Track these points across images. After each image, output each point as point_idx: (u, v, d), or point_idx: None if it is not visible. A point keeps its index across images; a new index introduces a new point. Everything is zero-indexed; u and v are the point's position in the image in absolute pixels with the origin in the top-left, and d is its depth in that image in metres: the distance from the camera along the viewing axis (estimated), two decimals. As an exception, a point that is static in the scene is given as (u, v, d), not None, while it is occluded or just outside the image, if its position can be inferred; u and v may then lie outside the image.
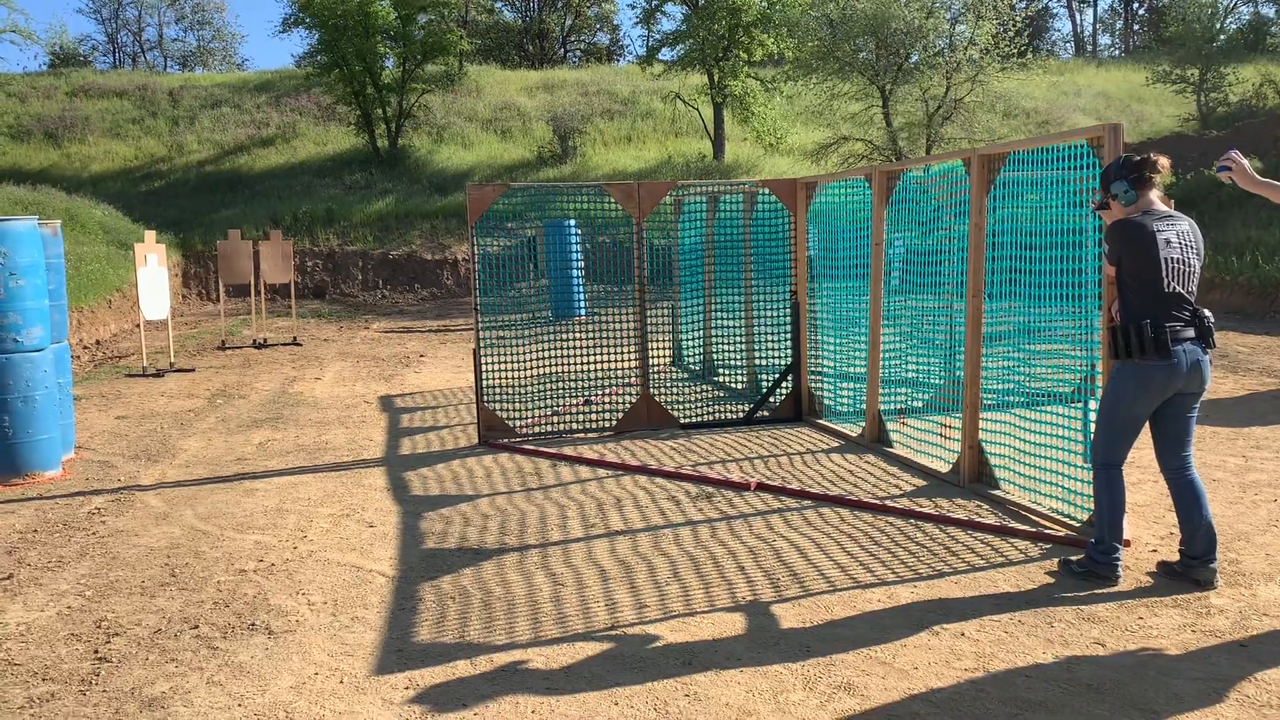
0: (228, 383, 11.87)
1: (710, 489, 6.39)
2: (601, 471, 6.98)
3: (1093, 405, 5.03)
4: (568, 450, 7.59)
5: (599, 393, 9.06)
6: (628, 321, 8.35)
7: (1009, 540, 5.21)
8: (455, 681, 3.83)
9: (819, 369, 8.49)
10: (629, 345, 8.33)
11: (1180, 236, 4.42)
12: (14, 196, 19.83)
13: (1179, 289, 4.39)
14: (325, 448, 8.19)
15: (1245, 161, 4.44)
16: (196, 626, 4.48)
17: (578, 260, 17.72)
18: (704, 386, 10.00)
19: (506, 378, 8.25)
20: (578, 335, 8.58)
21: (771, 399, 8.64)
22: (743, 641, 4.07)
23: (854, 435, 7.67)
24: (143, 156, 28.50)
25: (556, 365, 8.51)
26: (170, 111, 30.68)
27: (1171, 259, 4.38)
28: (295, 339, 15.68)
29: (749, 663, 3.88)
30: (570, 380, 8.62)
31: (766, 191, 8.73)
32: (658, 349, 8.92)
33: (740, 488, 6.34)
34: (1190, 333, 4.38)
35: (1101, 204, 4.61)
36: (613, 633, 4.20)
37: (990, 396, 6.22)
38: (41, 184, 23.30)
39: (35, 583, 5.15)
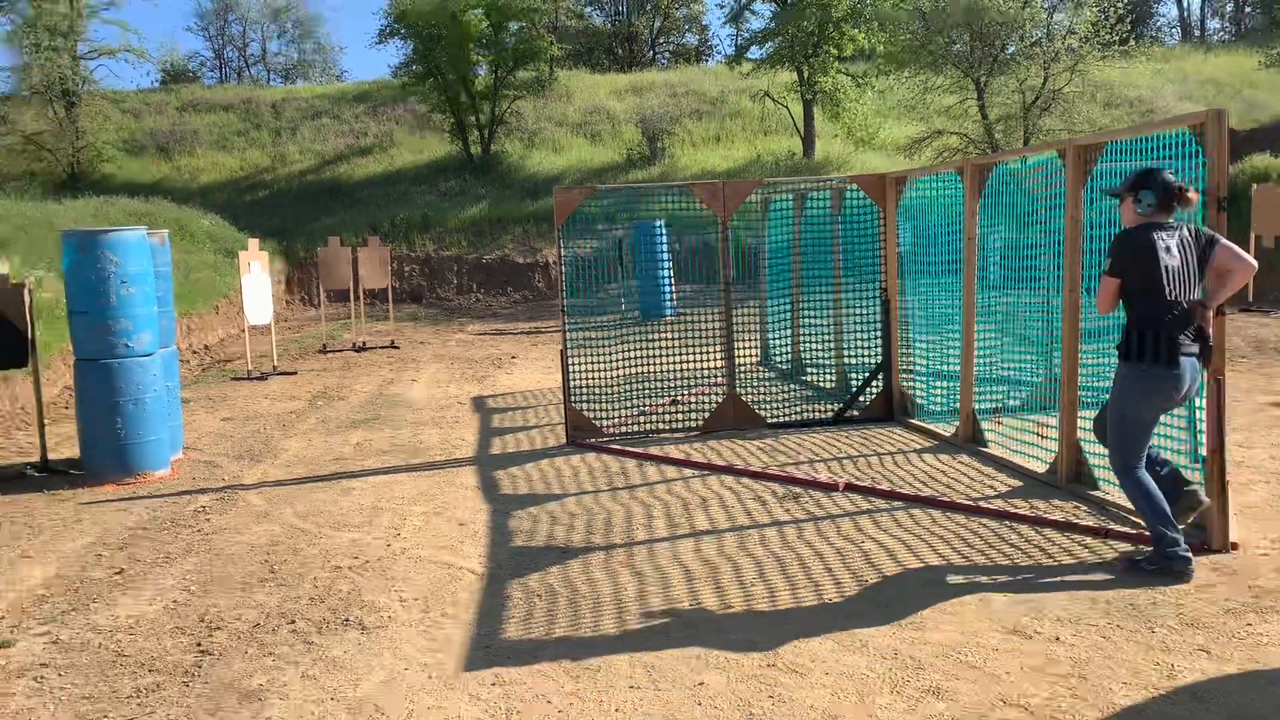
0: (328, 385, 12.19)
1: (798, 489, 6.33)
2: (688, 471, 6.97)
3: (1199, 402, 4.85)
4: (654, 450, 7.60)
5: (685, 392, 9.05)
6: (713, 321, 8.33)
7: (1108, 543, 5.04)
8: (541, 678, 3.86)
9: (910, 367, 8.34)
10: (714, 345, 8.30)
11: (1181, 245, 4.53)
12: (129, 208, 20.70)
13: (1179, 293, 4.50)
14: (420, 447, 8.35)
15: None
16: (293, 621, 4.61)
17: (666, 261, 17.79)
18: (791, 386, 9.91)
19: (594, 378, 8.31)
20: (664, 335, 8.58)
21: (861, 398, 8.53)
22: (828, 644, 4.02)
23: (947, 435, 7.51)
24: (248, 167, 29.47)
25: (643, 366, 8.52)
26: (273, 123, 31.65)
27: (1171, 268, 4.48)
28: (393, 342, 16.02)
29: (834, 665, 3.83)
30: (656, 380, 8.63)
31: (854, 187, 8.61)
32: (745, 348, 8.86)
33: (828, 488, 6.27)
34: (1195, 349, 4.52)
35: (1117, 192, 4.75)
36: (697, 632, 4.19)
37: (1089, 394, 6.03)
38: (154, 196, 24.28)
39: (144, 577, 5.36)
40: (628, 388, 8.59)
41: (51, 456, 8.20)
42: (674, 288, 16.74)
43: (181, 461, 8.27)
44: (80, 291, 7.52)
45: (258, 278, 13.30)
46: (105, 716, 3.78)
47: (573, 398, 8.10)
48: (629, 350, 8.58)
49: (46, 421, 9.50)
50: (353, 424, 9.63)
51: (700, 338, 8.36)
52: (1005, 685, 3.59)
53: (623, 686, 3.75)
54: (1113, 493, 5.67)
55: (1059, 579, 4.59)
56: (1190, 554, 4.53)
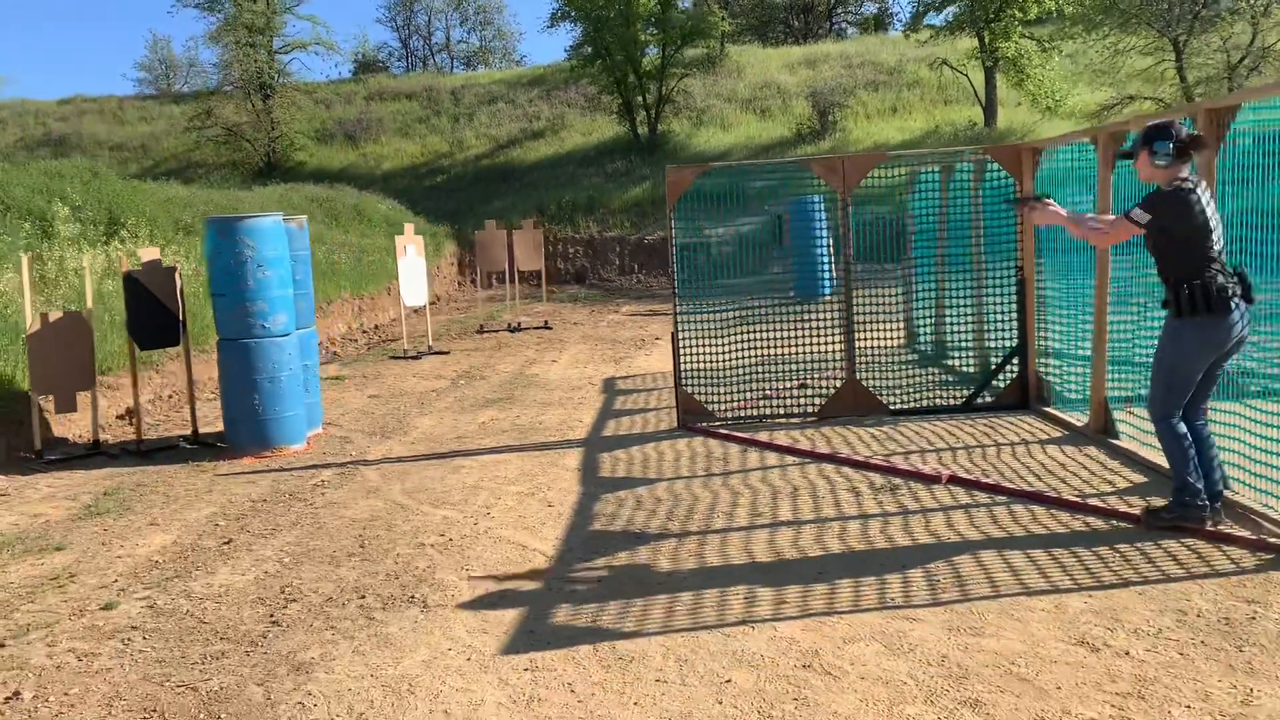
0: (474, 364, 12.54)
1: (899, 480, 6.05)
2: (789, 459, 6.77)
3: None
4: (762, 436, 7.43)
5: (814, 376, 8.79)
6: (839, 304, 8.04)
7: (1222, 548, 4.57)
8: (573, 665, 3.83)
9: (1048, 352, 7.82)
10: (836, 327, 8.02)
11: (1208, 197, 4.63)
12: (311, 194, 21.89)
13: (1220, 247, 4.62)
14: (538, 428, 8.46)
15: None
16: (364, 596, 4.75)
17: (824, 239, 17.34)
18: (923, 370, 9.47)
19: (709, 362, 8.19)
20: (786, 317, 8.34)
21: (995, 384, 8.06)
22: (874, 646, 3.81)
23: (1079, 425, 7.01)
24: (427, 153, 30.63)
25: (763, 349, 8.32)
26: (452, 109, 32.77)
27: (1214, 220, 4.59)
28: (546, 323, 16.33)
29: (874, 670, 3.62)
30: (776, 364, 8.41)
31: (989, 160, 8.12)
32: (883, 330, 8.51)
33: (931, 480, 5.95)
34: (1238, 289, 4.58)
35: (1128, 153, 4.82)
36: (741, 628, 4.06)
37: (1226, 384, 5.47)
38: (338, 182, 25.61)
39: (248, 548, 5.65)
40: (744, 372, 8.40)
41: (204, 430, 8.76)
42: (833, 267, 16.33)
43: (319, 437, 8.67)
44: (220, 275, 7.98)
45: (413, 261, 13.79)
46: (169, 679, 3.99)
47: (686, 382, 8.00)
48: (748, 333, 8.39)
49: (211, 397, 10.21)
50: (485, 403, 9.86)
51: (823, 320, 8.09)
52: (1051, 701, 3.30)
53: (650, 679, 3.67)
54: (1245, 494, 5.14)
55: (1153, 587, 4.19)
56: (1208, 505, 4.71)
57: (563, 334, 15.23)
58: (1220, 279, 4.57)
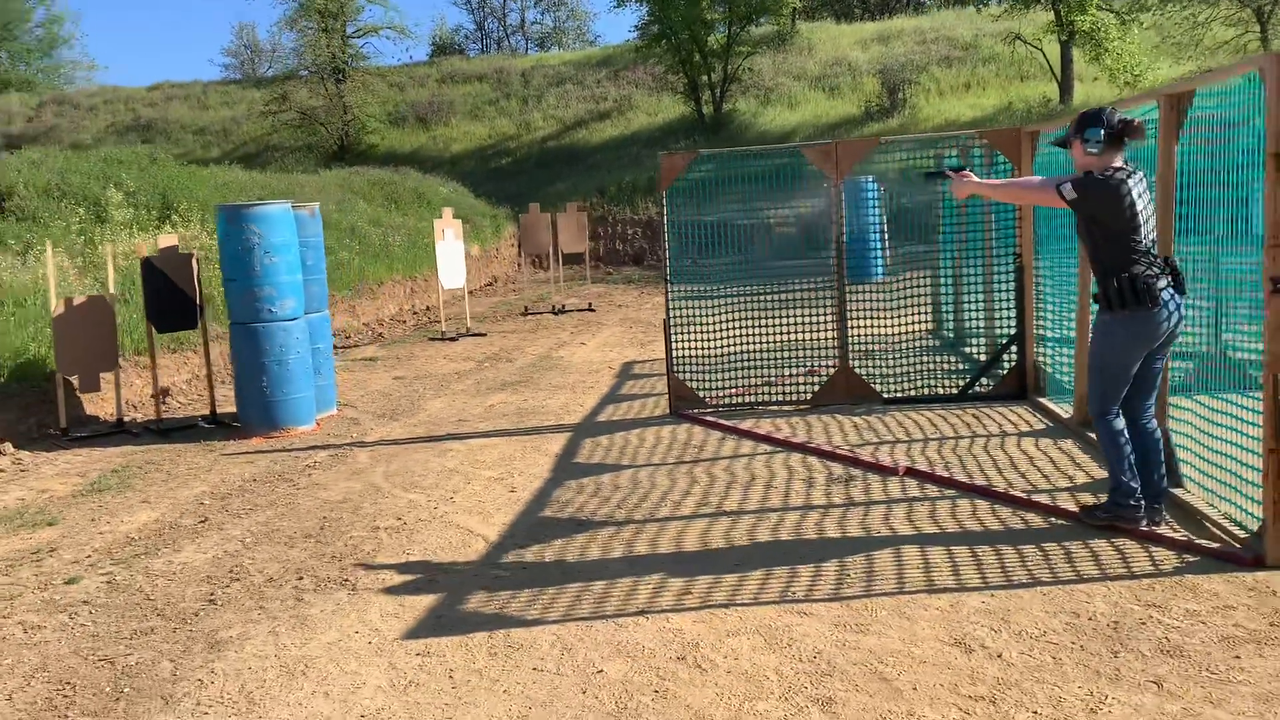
0: (505, 347, 12.73)
1: (858, 471, 6.01)
2: (762, 447, 6.77)
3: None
4: (745, 424, 7.42)
5: (819, 365, 8.72)
6: (834, 291, 7.97)
7: (1150, 549, 4.46)
8: (463, 651, 3.94)
9: (1044, 340, 7.64)
10: (828, 314, 7.96)
11: (1140, 188, 4.49)
12: (374, 178, 22.35)
13: (1150, 239, 4.51)
14: (538, 411, 8.59)
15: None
16: (302, 578, 4.93)
17: (878, 221, 17.10)
18: (927, 358, 9.30)
19: (704, 348, 8.20)
20: (783, 305, 8.30)
21: (994, 372, 7.91)
22: (755, 640, 3.84)
23: (1065, 417, 6.85)
24: (495, 135, 30.97)
25: (756, 336, 8.30)
26: (521, 91, 33.03)
27: (1143, 212, 4.47)
28: (590, 305, 16.46)
29: (744, 663, 3.65)
30: (769, 352, 8.37)
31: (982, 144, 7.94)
32: (909, 318, 8.42)
33: (888, 472, 5.90)
34: (1164, 282, 4.49)
35: (1063, 141, 4.69)
36: (636, 618, 4.12)
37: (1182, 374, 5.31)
38: (405, 165, 26.08)
39: (219, 527, 5.89)
40: (739, 358, 8.38)
41: (225, 411, 9.09)
42: (888, 250, 16.11)
43: (332, 418, 8.93)
44: (229, 260, 8.27)
45: (451, 244, 14.04)
46: (94, 654, 4.22)
47: (679, 368, 8.04)
48: (745, 319, 8.36)
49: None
50: (501, 386, 10.02)
51: (814, 306, 8.04)
52: (902, 702, 3.29)
53: (528, 668, 3.76)
54: (1195, 492, 4.99)
55: (1060, 588, 4.12)
56: (1143, 505, 4.60)
57: (604, 316, 15.34)
58: (1148, 272, 4.46)
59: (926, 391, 7.98)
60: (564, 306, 16.36)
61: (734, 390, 8.13)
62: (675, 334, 8.08)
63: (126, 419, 8.88)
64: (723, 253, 8.57)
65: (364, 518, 5.85)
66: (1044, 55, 27.54)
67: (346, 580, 4.84)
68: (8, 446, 8.11)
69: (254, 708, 3.63)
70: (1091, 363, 4.75)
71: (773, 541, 4.91)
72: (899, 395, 7.91)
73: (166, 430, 8.63)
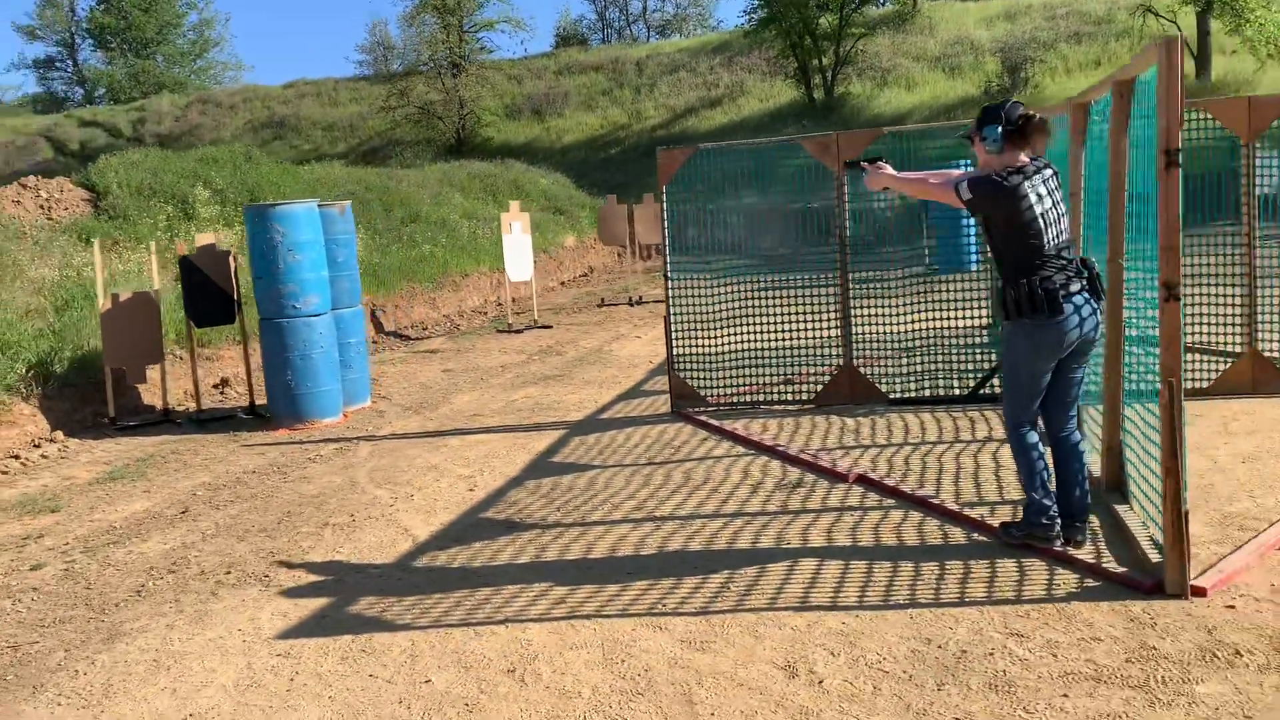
0: (562, 340, 12.83)
1: (813, 477, 5.81)
2: (736, 449, 6.63)
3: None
4: (733, 424, 7.27)
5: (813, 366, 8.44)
6: (833, 285, 7.72)
7: (1055, 571, 4.16)
8: (318, 654, 4.01)
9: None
10: (831, 311, 7.71)
11: (1048, 187, 4.21)
12: (475, 170, 22.83)
13: (1058, 242, 4.19)
14: (553, 406, 8.63)
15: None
16: (229, 573, 5.10)
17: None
18: (942, 358, 8.84)
19: (700, 346, 8.07)
20: (786, 301, 8.08)
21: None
22: (593, 654, 3.76)
23: (1063, 421, 6.45)
24: (607, 125, 31.18)
25: (759, 333, 8.11)
26: (635, 80, 33.14)
27: (1046, 214, 4.16)
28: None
29: (567, 679, 3.59)
30: (772, 349, 8.16)
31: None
32: (963, 311, 8.09)
33: (839, 479, 5.69)
34: (1077, 286, 4.19)
35: (968, 136, 4.44)
36: (497, 626, 4.10)
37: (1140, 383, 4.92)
38: (520, 157, 26.52)
39: (194, 519, 6.15)
40: (742, 356, 8.21)
41: (262, 403, 9.47)
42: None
43: (362, 410, 9.19)
44: (256, 258, 8.60)
45: (518, 238, 14.22)
46: (14, 638, 4.48)
47: (680, 365, 7.94)
48: (748, 315, 8.19)
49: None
50: (538, 380, 10.10)
51: (816, 303, 7.80)
52: (691, 729, 3.18)
53: (366, 674, 3.80)
54: (1135, 510, 4.64)
55: (931, 610, 3.89)
56: (1057, 523, 4.32)
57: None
58: (1054, 278, 4.14)
59: (934, 392, 7.64)
60: (641, 298, 16.35)
61: (738, 390, 7.96)
62: (676, 331, 7.97)
63: (175, 408, 9.36)
64: (725, 248, 8.38)
65: (323, 513, 6.01)
66: (1178, 27, 25.90)
67: (265, 577, 4.99)
68: (59, 435, 8.67)
69: (105, 701, 3.79)
70: (1004, 372, 4.48)
71: (679, 551, 4.81)
72: (904, 396, 7.60)
73: (206, 421, 9.06)
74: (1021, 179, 4.15)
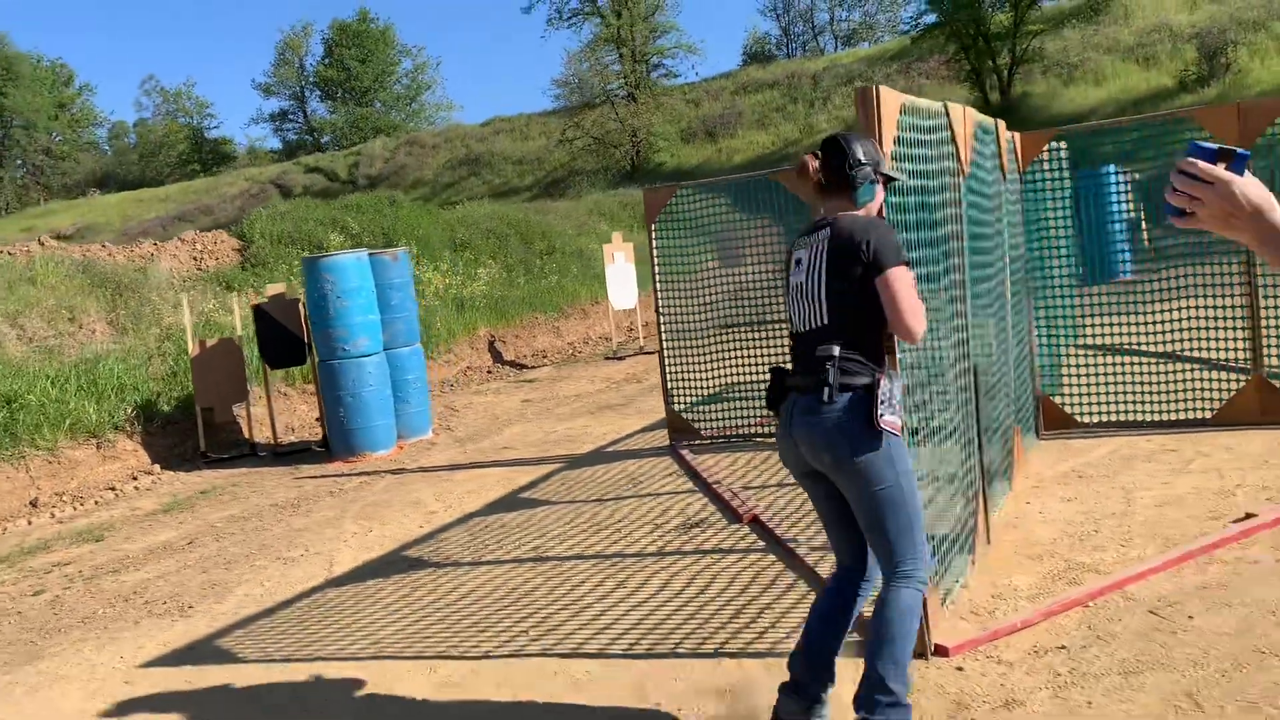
0: (651, 367, 13.04)
1: (718, 516, 5.80)
2: (686, 485, 6.67)
3: None
4: (705, 459, 7.29)
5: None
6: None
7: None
8: (164, 680, 4.47)
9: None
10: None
11: (812, 253, 3.18)
12: (626, 199, 23.41)
13: (799, 323, 3.21)
14: (577, 438, 8.90)
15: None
16: (166, 603, 5.69)
17: (1123, 213, 15.37)
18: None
19: (696, 381, 8.11)
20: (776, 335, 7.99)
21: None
22: (348, 703, 4.02)
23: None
24: (778, 142, 31.10)
25: (749, 367, 8.07)
26: (810, 94, 32.87)
27: (796, 285, 3.22)
28: (790, 317, 16.25)
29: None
30: (761, 383, 8.08)
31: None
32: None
33: (737, 518, 5.65)
34: (796, 380, 3.16)
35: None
36: (269, 665, 4.43)
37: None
38: (690, 179, 26.91)
39: (192, 549, 6.85)
40: (734, 390, 8.18)
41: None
42: (1139, 244, 14.51)
43: (418, 443, 9.79)
44: (311, 305, 9.38)
45: (621, 267, 14.59)
46: (-36, 658, 5.23)
47: (675, 398, 8.03)
48: (741, 352, 8.17)
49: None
50: (595, 409, 10.39)
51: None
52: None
53: (196, 706, 4.21)
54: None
55: (702, 661, 3.89)
56: None
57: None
58: (790, 363, 3.31)
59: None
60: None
61: (728, 428, 7.97)
62: (670, 366, 8.06)
63: (260, 442, 10.31)
64: (715, 283, 8.38)
65: (288, 547, 6.54)
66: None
67: (186, 607, 5.54)
68: (156, 468, 9.75)
69: (-27, 716, 4.40)
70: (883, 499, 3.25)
71: (507, 594, 4.97)
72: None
73: (285, 454, 9.93)
74: (803, 235, 3.31)
